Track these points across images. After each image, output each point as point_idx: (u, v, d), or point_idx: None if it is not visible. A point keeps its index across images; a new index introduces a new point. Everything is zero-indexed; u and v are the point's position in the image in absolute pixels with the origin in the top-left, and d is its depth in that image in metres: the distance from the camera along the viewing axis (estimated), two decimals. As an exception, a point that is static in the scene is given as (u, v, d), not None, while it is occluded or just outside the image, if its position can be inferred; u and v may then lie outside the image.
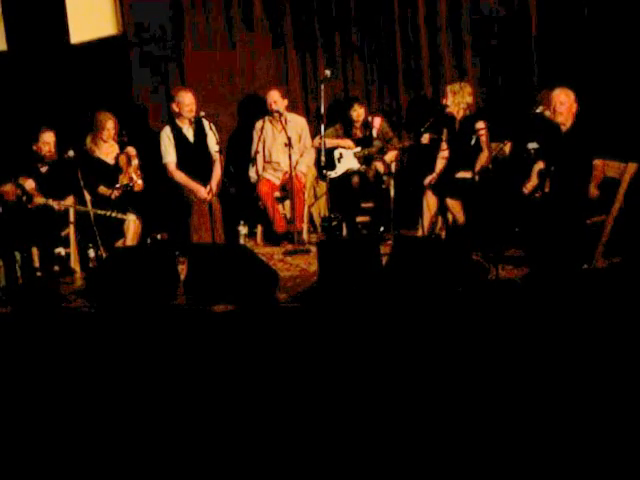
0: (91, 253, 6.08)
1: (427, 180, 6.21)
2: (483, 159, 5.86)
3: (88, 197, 6.19)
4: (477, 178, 5.80)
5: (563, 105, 5.32)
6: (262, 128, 6.81)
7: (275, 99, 6.71)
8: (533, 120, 5.51)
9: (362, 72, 7.21)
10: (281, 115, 6.71)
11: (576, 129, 5.33)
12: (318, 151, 6.59)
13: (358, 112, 6.77)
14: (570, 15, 6.40)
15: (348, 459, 2.94)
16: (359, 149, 6.80)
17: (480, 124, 5.94)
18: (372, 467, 2.88)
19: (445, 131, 6.30)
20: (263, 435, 3.16)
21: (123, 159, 6.32)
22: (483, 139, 5.87)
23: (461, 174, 6.05)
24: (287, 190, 6.72)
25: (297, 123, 6.86)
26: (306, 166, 6.82)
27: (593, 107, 5.45)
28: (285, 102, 6.78)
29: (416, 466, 2.87)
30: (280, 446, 3.06)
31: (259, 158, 6.85)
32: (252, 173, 6.87)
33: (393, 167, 6.81)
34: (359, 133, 6.84)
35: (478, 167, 5.81)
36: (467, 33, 6.83)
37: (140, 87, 7.24)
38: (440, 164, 6.28)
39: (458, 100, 6.15)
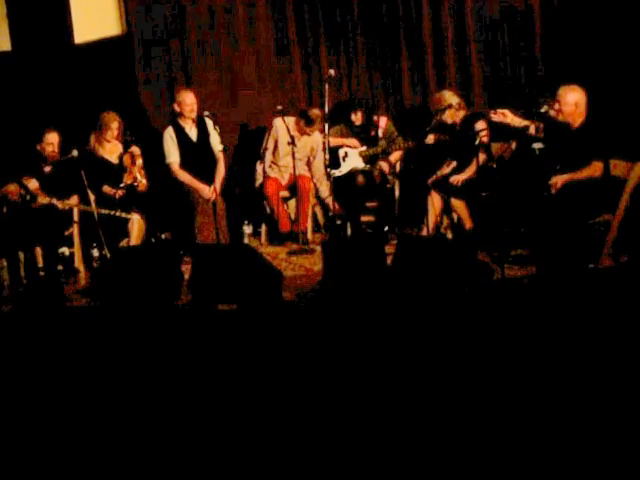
0: (95, 253, 6.09)
1: (430, 179, 6.20)
2: (481, 160, 5.81)
3: (92, 197, 6.18)
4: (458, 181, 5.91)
5: (567, 104, 5.26)
6: (279, 128, 6.71)
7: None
8: (539, 119, 5.49)
9: (367, 73, 7.20)
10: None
11: (585, 128, 5.25)
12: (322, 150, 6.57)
13: (357, 116, 6.75)
14: (576, 14, 6.39)
15: (351, 457, 2.92)
16: (364, 148, 6.78)
17: (481, 124, 5.90)
18: (375, 466, 2.86)
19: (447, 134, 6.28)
20: (267, 433, 3.14)
21: (127, 159, 6.31)
22: (484, 140, 5.83)
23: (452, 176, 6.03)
24: (295, 189, 6.71)
25: (313, 137, 6.76)
26: (325, 190, 6.75)
27: (600, 106, 5.42)
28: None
29: (419, 466, 2.86)
30: (284, 444, 3.05)
31: (268, 154, 6.79)
32: (260, 169, 6.83)
33: (398, 167, 6.82)
34: (363, 133, 6.82)
35: (474, 168, 5.77)
36: (472, 34, 6.83)
37: (144, 87, 7.23)
38: (445, 170, 6.23)
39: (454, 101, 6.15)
